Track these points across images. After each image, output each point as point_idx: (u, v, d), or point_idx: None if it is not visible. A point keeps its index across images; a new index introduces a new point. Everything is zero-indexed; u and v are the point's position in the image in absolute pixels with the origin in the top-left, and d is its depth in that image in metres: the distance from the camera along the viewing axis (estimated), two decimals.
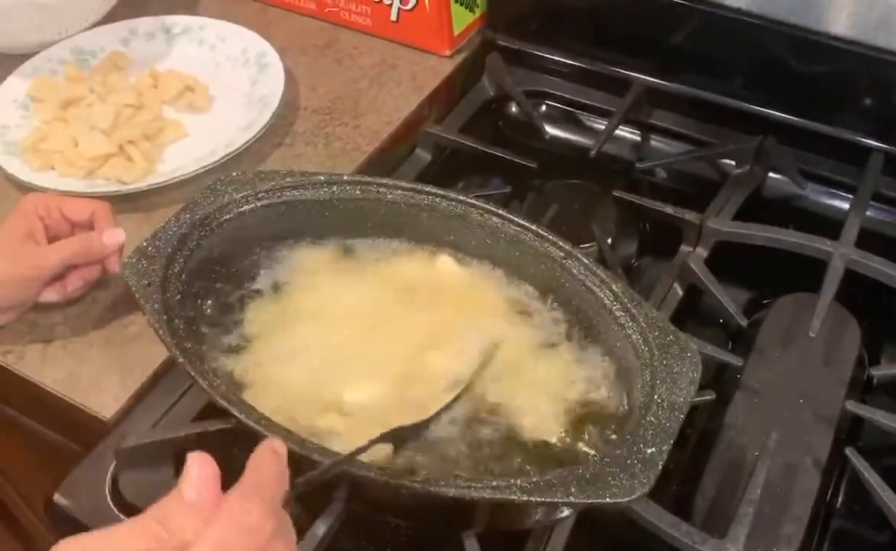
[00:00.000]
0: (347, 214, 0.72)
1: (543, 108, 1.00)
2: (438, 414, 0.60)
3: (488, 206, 0.71)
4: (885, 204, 0.86)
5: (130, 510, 0.65)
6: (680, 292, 0.78)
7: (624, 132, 0.96)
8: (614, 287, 0.65)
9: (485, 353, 0.65)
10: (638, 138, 0.97)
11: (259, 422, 0.56)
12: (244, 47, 1.02)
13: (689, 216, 0.82)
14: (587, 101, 0.99)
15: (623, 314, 0.64)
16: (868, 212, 0.82)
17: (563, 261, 0.68)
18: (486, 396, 0.63)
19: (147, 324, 0.62)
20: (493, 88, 1.00)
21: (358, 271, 0.72)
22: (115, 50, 1.03)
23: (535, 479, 0.54)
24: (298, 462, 0.52)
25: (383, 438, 0.55)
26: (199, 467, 0.45)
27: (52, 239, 0.74)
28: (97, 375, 0.74)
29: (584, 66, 0.99)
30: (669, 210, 0.83)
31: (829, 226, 0.79)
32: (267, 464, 0.46)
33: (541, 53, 1.01)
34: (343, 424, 0.61)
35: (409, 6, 1.02)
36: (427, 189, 0.72)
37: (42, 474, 0.75)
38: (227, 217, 0.70)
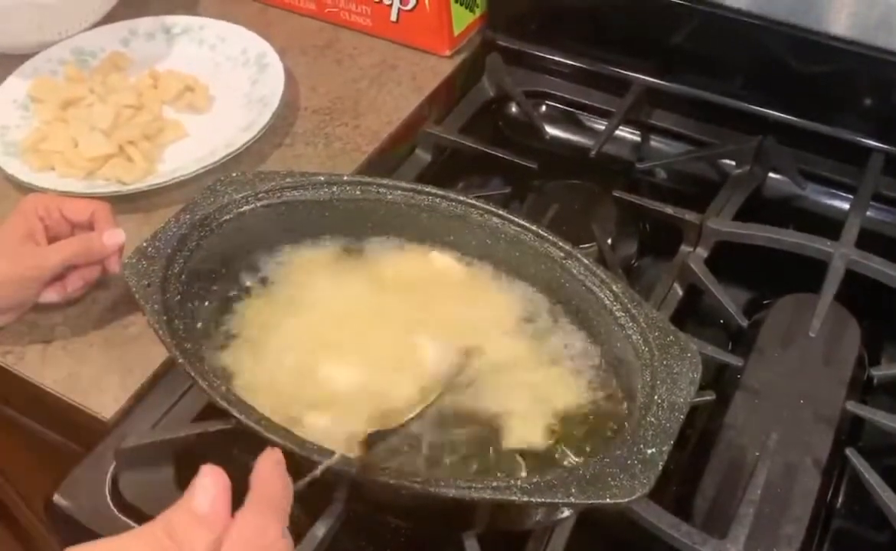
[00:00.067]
0: (347, 215, 0.72)
1: (543, 108, 1.00)
2: (409, 421, 0.59)
3: (488, 207, 0.71)
4: (886, 204, 0.86)
5: (130, 510, 0.65)
6: (680, 292, 0.78)
7: (624, 132, 0.96)
8: (614, 287, 0.65)
9: (460, 360, 0.64)
10: (638, 138, 0.97)
11: (259, 423, 0.56)
12: (244, 47, 1.02)
13: (689, 216, 0.82)
14: (587, 102, 0.98)
15: (623, 314, 0.64)
16: (868, 213, 0.82)
17: (563, 262, 0.68)
18: (469, 399, 0.63)
19: (147, 324, 0.62)
20: (493, 89, 1.00)
21: (357, 270, 0.71)
22: (115, 50, 1.03)
23: (535, 480, 0.54)
24: (298, 463, 0.52)
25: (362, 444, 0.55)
26: (213, 480, 0.45)
27: (52, 239, 0.74)
28: (97, 375, 0.74)
29: (584, 66, 0.99)
30: (669, 210, 0.83)
31: (829, 226, 0.79)
32: (274, 478, 0.46)
33: (541, 54, 1.01)
34: (330, 417, 0.61)
35: (409, 6, 1.02)
36: (427, 189, 0.72)
37: (42, 474, 0.75)
38: (227, 217, 0.70)
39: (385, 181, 0.73)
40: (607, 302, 0.65)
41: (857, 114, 0.87)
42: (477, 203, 0.71)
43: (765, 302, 0.78)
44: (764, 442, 0.64)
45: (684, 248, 0.81)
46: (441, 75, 1.02)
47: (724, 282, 0.77)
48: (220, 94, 0.99)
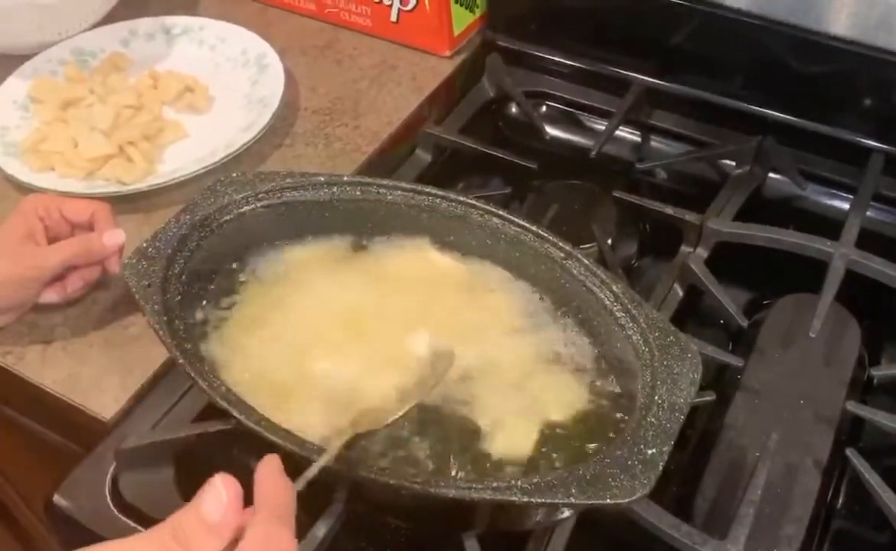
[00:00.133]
0: (347, 215, 0.72)
1: (543, 108, 1.00)
2: (395, 420, 0.59)
3: (488, 207, 0.71)
4: (886, 204, 0.86)
5: (130, 511, 0.65)
6: (680, 293, 0.78)
7: (624, 133, 0.96)
8: (614, 288, 0.65)
9: (446, 360, 0.63)
10: (638, 139, 0.97)
11: (259, 424, 0.56)
12: (244, 48, 1.02)
13: (690, 217, 0.82)
14: (587, 102, 0.99)
15: (623, 315, 0.64)
16: (868, 213, 0.82)
17: (564, 262, 0.68)
18: (462, 398, 0.63)
19: (147, 324, 0.62)
20: (493, 89, 1.00)
21: (356, 268, 0.71)
22: (115, 50, 1.03)
23: (535, 480, 0.54)
24: (297, 462, 0.52)
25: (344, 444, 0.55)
26: (226, 489, 0.45)
27: (52, 240, 0.74)
28: (97, 376, 0.74)
29: (584, 66, 0.99)
30: (670, 210, 0.83)
31: (829, 226, 0.79)
32: (279, 486, 0.46)
33: (541, 54, 1.01)
34: (316, 409, 0.62)
35: (409, 7, 1.02)
36: (427, 190, 0.72)
37: (42, 475, 0.75)
38: (227, 218, 0.70)
39: (385, 181, 0.73)
40: (607, 302, 0.65)
41: (857, 114, 0.87)
42: (477, 203, 0.71)
43: (765, 302, 0.78)
44: (764, 443, 0.64)
45: (684, 249, 0.81)
46: (441, 75, 1.02)
47: (724, 283, 0.77)
48: (220, 95, 0.99)
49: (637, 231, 0.85)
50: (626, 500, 0.53)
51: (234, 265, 0.70)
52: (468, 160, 0.92)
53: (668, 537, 0.60)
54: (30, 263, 0.72)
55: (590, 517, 0.62)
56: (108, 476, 0.67)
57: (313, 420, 0.60)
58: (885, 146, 0.87)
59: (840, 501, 0.68)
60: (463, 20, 1.04)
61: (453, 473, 0.59)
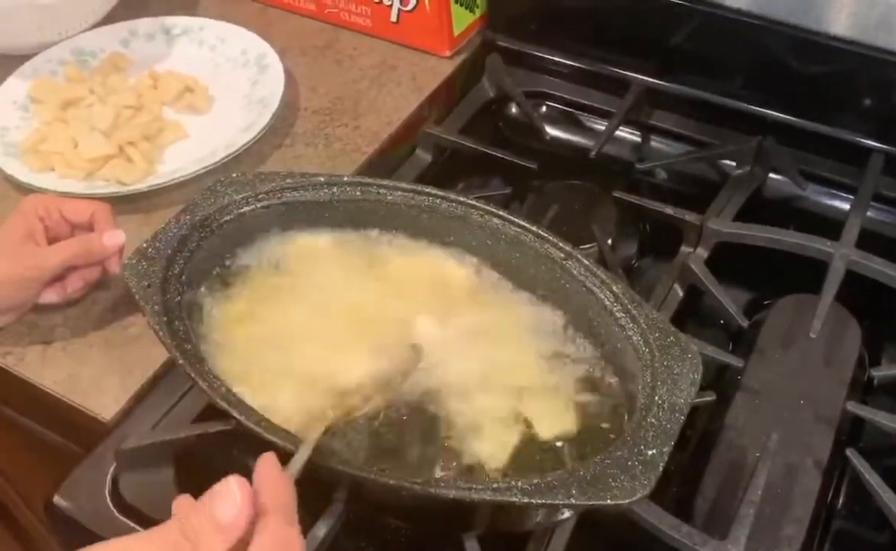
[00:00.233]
0: (348, 215, 0.72)
1: (543, 108, 1.00)
2: (355, 418, 0.59)
3: (488, 207, 0.71)
4: (886, 204, 0.86)
5: (130, 511, 0.65)
6: (680, 293, 0.78)
7: (624, 133, 0.96)
8: (615, 288, 0.65)
9: (408, 358, 0.63)
10: (638, 139, 0.97)
11: (259, 424, 0.56)
12: (244, 48, 1.02)
13: (690, 217, 0.82)
14: (587, 102, 0.98)
15: (623, 315, 0.64)
16: (868, 213, 0.82)
17: (564, 262, 0.68)
18: (455, 396, 0.63)
19: (147, 325, 0.62)
20: (493, 89, 1.00)
21: (355, 265, 0.71)
22: (114, 51, 1.03)
23: (535, 481, 0.54)
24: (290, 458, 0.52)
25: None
26: (241, 491, 0.45)
27: (52, 240, 0.74)
28: (97, 376, 0.74)
29: (584, 66, 0.99)
30: (670, 211, 0.83)
31: (829, 226, 0.79)
32: (281, 485, 0.47)
33: (541, 54, 1.01)
34: (291, 392, 0.62)
35: (409, 7, 1.02)
36: (427, 190, 0.72)
37: (42, 475, 0.75)
38: (228, 218, 0.70)
39: (385, 182, 0.73)
40: (607, 302, 0.65)
41: (857, 114, 0.87)
42: (477, 204, 0.71)
43: (765, 302, 0.78)
44: (764, 443, 0.64)
45: (685, 249, 0.81)
46: (441, 76, 1.02)
47: (724, 283, 0.77)
48: (220, 95, 0.99)
49: (637, 231, 0.85)
50: (627, 501, 0.53)
51: (229, 261, 0.70)
52: (468, 160, 0.92)
53: (669, 538, 0.60)
54: (30, 263, 0.72)
55: (590, 517, 0.62)
56: (108, 476, 0.67)
57: (292, 406, 0.61)
58: (885, 146, 0.87)
59: (840, 501, 0.68)
60: (463, 20, 1.04)
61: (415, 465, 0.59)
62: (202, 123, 0.96)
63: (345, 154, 0.93)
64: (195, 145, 0.93)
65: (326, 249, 0.72)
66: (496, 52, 1.01)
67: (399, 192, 0.72)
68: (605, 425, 0.61)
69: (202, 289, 0.67)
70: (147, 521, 0.63)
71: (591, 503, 0.53)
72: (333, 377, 0.63)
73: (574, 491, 0.53)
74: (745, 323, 0.76)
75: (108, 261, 0.75)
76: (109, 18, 1.06)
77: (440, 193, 0.72)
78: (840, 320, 0.74)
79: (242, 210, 0.70)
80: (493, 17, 1.05)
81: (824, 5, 0.85)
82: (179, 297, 0.64)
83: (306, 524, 0.59)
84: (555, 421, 0.62)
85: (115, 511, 0.65)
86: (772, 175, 0.89)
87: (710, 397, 0.69)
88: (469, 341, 0.66)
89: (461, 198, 0.72)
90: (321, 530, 0.60)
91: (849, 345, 0.73)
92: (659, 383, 0.59)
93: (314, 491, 0.53)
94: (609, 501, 0.53)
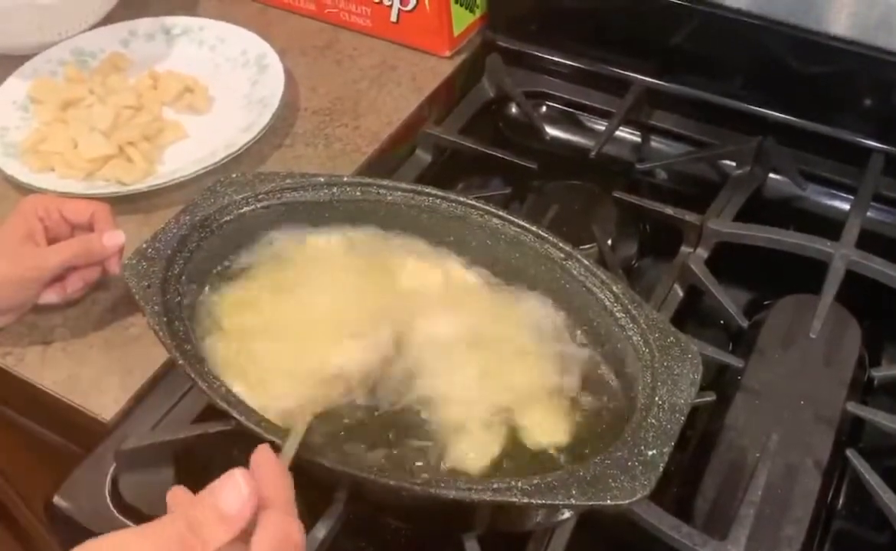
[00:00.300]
0: (348, 215, 0.72)
1: (543, 108, 1.00)
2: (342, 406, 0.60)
3: (488, 207, 0.71)
4: (886, 204, 0.86)
5: (130, 512, 0.65)
6: (680, 293, 0.78)
7: (624, 133, 0.96)
8: (615, 288, 0.65)
9: (387, 351, 0.64)
10: (638, 139, 0.97)
11: (259, 425, 0.56)
12: (244, 48, 1.02)
13: (690, 217, 0.82)
14: (587, 102, 0.98)
15: (623, 315, 0.64)
16: (868, 213, 0.82)
17: (564, 263, 0.68)
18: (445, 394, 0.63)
19: (147, 325, 0.62)
20: (493, 89, 1.00)
21: (356, 267, 0.71)
22: (114, 51, 1.03)
23: (536, 481, 0.54)
24: (297, 462, 0.52)
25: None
26: (246, 485, 0.45)
27: (52, 240, 0.74)
28: (97, 377, 0.74)
29: (584, 66, 0.99)
30: (670, 211, 0.83)
31: (829, 226, 0.79)
32: (279, 478, 0.47)
33: (541, 54, 1.01)
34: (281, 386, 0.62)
35: (409, 7, 1.02)
36: (427, 190, 0.72)
37: (42, 475, 0.75)
38: (227, 218, 0.70)
39: (385, 182, 0.73)
40: (607, 303, 0.65)
41: (857, 114, 0.87)
42: (477, 204, 0.71)
43: (765, 302, 0.78)
44: (764, 443, 0.64)
45: (685, 249, 0.81)
46: (441, 76, 1.02)
47: (724, 283, 0.77)
48: (219, 95, 0.99)
49: (637, 231, 0.85)
50: (627, 501, 0.53)
51: (229, 261, 0.70)
52: (468, 160, 0.92)
53: (669, 538, 0.60)
54: (30, 264, 0.72)
55: (590, 518, 0.62)
56: (108, 477, 0.67)
57: (292, 403, 0.61)
58: (885, 146, 0.87)
59: (840, 502, 0.68)
60: (463, 20, 1.04)
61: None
62: (202, 123, 0.96)
63: (345, 154, 0.93)
64: (195, 145, 0.93)
65: (327, 249, 0.72)
66: (496, 52, 1.01)
67: (399, 192, 0.72)
68: (604, 425, 0.61)
69: (202, 289, 0.67)
70: (147, 521, 0.63)
71: (591, 503, 0.53)
72: (328, 372, 0.63)
73: (574, 492, 0.53)
74: (745, 323, 0.76)
75: (107, 261, 0.75)
76: (109, 19, 1.06)
77: (440, 193, 0.72)
78: (840, 320, 0.74)
79: (242, 210, 0.70)
80: (493, 17, 1.05)
81: (824, 5, 0.85)
82: (179, 298, 0.64)
83: (306, 524, 0.59)
84: (553, 422, 0.62)
85: (115, 511, 0.65)
86: (772, 175, 0.89)
87: (710, 397, 0.69)
88: (468, 341, 0.66)
89: (461, 199, 0.72)
90: (321, 531, 0.60)
91: (849, 346, 0.73)
92: (659, 383, 0.59)
93: (314, 491, 0.53)
94: (609, 502, 0.53)
